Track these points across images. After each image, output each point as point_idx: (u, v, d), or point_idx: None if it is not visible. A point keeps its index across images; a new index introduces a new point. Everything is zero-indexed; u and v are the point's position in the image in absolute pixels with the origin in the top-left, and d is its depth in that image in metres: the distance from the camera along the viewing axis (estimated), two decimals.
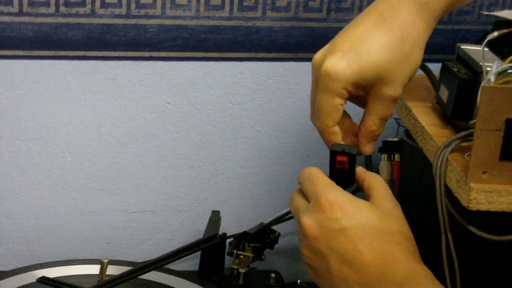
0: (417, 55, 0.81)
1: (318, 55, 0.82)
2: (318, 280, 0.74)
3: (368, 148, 0.83)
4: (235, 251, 1.17)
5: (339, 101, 0.80)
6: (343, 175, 0.79)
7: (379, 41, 0.79)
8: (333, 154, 0.79)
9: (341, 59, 0.78)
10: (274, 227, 1.19)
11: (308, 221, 0.72)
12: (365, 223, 0.71)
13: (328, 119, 0.81)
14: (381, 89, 0.79)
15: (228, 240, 1.20)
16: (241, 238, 1.17)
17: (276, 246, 1.20)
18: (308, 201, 0.75)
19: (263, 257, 1.18)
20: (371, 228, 0.71)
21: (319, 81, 0.80)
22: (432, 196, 0.87)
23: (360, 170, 0.79)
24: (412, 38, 0.80)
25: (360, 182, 0.79)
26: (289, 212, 1.15)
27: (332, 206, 0.72)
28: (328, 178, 0.76)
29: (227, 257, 1.19)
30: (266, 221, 1.18)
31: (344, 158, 0.78)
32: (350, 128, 0.84)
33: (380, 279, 0.68)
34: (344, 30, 0.82)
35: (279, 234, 1.19)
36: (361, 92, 0.81)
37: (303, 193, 0.77)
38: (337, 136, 0.82)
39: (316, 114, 0.81)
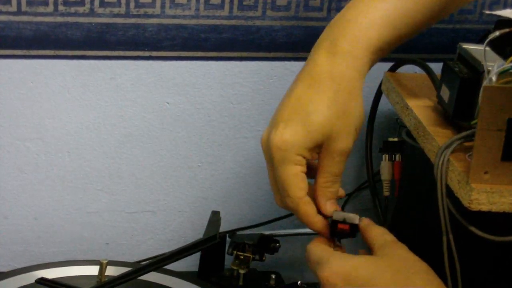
0: (356, 104, 0.80)
1: (263, 135, 0.83)
2: None
3: (329, 207, 0.82)
4: (235, 252, 1.17)
5: (300, 168, 0.80)
6: (344, 235, 0.81)
7: (315, 101, 0.80)
8: (334, 223, 0.81)
9: (285, 128, 0.79)
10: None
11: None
12: (367, 279, 0.71)
13: (297, 189, 0.80)
14: (330, 146, 0.79)
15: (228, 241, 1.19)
16: (238, 245, 1.17)
17: None
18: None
19: (264, 258, 1.18)
20: (375, 283, 0.71)
21: (272, 158, 0.80)
22: (433, 196, 0.87)
23: (364, 225, 0.80)
24: (345, 89, 0.80)
25: (363, 236, 0.80)
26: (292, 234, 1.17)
27: (330, 280, 0.73)
28: (320, 249, 0.78)
29: (227, 258, 1.18)
30: (266, 223, 1.18)
31: (345, 227, 0.80)
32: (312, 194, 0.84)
33: None
34: (280, 103, 0.83)
35: (279, 245, 1.18)
36: (315, 155, 0.81)
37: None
38: (311, 205, 0.82)
39: (282, 192, 0.81)
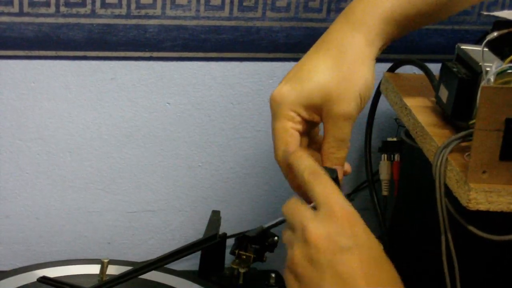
0: (362, 71, 0.80)
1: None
2: None
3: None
4: (237, 251, 1.17)
5: (290, 124, 0.80)
6: None
7: (319, 63, 0.81)
8: None
9: (285, 85, 0.81)
10: (274, 230, 1.19)
11: (317, 230, 0.69)
12: (372, 247, 0.69)
13: (282, 143, 0.80)
14: (330, 109, 0.79)
15: (228, 241, 1.19)
16: (241, 240, 1.17)
17: (276, 249, 1.20)
18: (294, 232, 0.72)
19: (264, 258, 1.18)
20: (375, 254, 0.68)
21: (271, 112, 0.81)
22: (432, 196, 0.87)
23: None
24: (350, 54, 0.80)
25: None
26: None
27: (346, 220, 0.69)
28: (305, 206, 0.73)
29: (227, 257, 1.19)
30: (266, 223, 1.18)
31: None
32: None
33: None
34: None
35: (278, 239, 1.19)
36: (316, 117, 0.80)
37: (289, 226, 0.74)
38: (303, 159, 0.78)
39: (274, 146, 0.81)
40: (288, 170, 0.79)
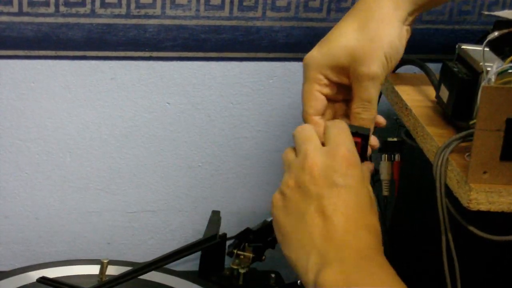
0: (387, 31, 0.81)
1: None
2: (280, 215, 0.75)
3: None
4: (235, 251, 1.17)
5: (316, 87, 0.82)
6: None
7: (347, 25, 0.82)
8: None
9: (315, 49, 0.83)
10: None
11: (317, 160, 0.72)
12: (360, 192, 0.71)
13: (306, 106, 0.82)
14: (356, 69, 0.81)
15: (228, 242, 1.19)
16: (244, 235, 1.17)
17: (276, 246, 1.20)
18: (296, 155, 0.76)
19: (263, 257, 1.18)
20: (362, 200, 0.71)
21: None
22: (432, 196, 0.87)
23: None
24: (376, 16, 0.81)
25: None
26: None
27: (345, 160, 0.71)
28: (318, 139, 0.76)
29: (227, 258, 1.19)
30: (269, 218, 1.18)
31: (357, 139, 0.78)
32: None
33: (345, 245, 0.68)
34: None
35: None
36: (344, 78, 0.81)
37: (295, 149, 0.78)
38: (319, 127, 0.81)
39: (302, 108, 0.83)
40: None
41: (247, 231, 1.17)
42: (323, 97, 0.83)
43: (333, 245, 0.68)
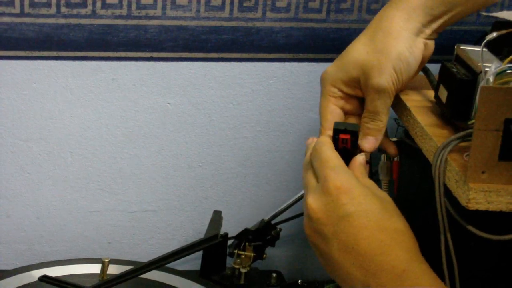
0: (395, 44, 0.81)
1: None
2: (320, 260, 0.74)
3: (364, 143, 0.83)
4: (236, 251, 1.17)
5: (332, 100, 0.83)
6: (346, 155, 0.78)
7: (359, 39, 0.84)
8: (336, 132, 0.78)
9: (331, 65, 0.85)
10: (275, 223, 1.20)
11: (314, 203, 0.72)
12: (369, 210, 0.71)
13: (323, 120, 0.84)
14: (365, 81, 0.81)
15: (229, 242, 1.20)
16: (243, 235, 1.17)
17: (277, 246, 1.20)
18: (317, 180, 0.75)
19: (264, 255, 1.19)
20: (374, 216, 0.70)
21: None
22: (431, 196, 0.87)
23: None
24: (384, 28, 0.82)
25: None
26: (289, 206, 1.15)
27: (338, 191, 0.71)
28: (337, 158, 0.75)
29: (228, 257, 1.19)
30: (266, 217, 1.19)
31: (346, 136, 0.78)
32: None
33: (380, 268, 0.68)
34: None
35: (280, 229, 1.19)
36: (358, 91, 0.82)
37: (314, 169, 0.77)
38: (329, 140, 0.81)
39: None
40: None
41: (246, 231, 1.18)
42: (339, 111, 0.83)
43: (370, 274, 0.68)
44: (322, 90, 0.84)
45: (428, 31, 0.83)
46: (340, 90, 0.82)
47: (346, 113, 0.84)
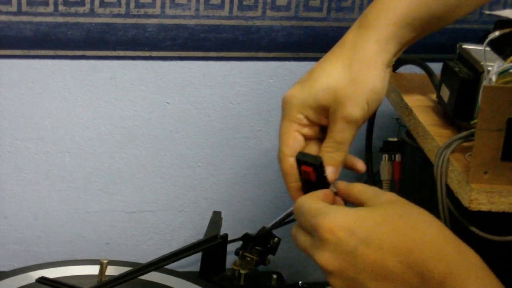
0: (370, 76, 0.79)
1: None
2: None
3: (328, 173, 0.79)
4: (241, 252, 1.17)
5: (295, 126, 0.80)
6: (311, 186, 0.76)
7: (330, 64, 0.81)
8: (298, 163, 0.76)
9: (297, 87, 0.81)
10: (276, 231, 1.19)
11: (323, 258, 0.68)
12: (372, 230, 0.66)
13: (284, 145, 0.80)
14: (336, 110, 0.79)
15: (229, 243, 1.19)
16: (246, 242, 1.17)
17: (278, 249, 1.20)
18: (311, 235, 0.71)
19: (267, 261, 1.18)
20: (382, 233, 0.66)
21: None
22: (433, 196, 0.87)
23: (342, 186, 0.76)
24: (360, 58, 0.80)
25: (346, 198, 0.76)
26: (290, 214, 1.14)
27: (334, 233, 0.67)
28: (316, 203, 0.71)
29: (228, 258, 1.18)
30: (267, 223, 1.18)
31: (309, 169, 0.75)
32: None
33: (421, 281, 0.64)
34: None
35: (279, 240, 1.18)
36: (324, 119, 0.80)
37: (302, 228, 0.73)
38: (293, 168, 0.79)
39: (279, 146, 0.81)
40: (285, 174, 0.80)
41: (246, 236, 1.17)
42: (301, 137, 0.80)
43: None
44: (286, 113, 0.81)
45: (394, 59, 0.82)
46: (306, 117, 0.80)
47: (306, 138, 0.82)
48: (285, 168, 0.80)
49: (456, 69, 0.94)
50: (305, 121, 0.80)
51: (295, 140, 0.81)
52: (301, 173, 0.77)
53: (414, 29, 0.83)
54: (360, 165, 0.84)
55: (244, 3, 1.19)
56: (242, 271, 1.16)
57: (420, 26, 0.83)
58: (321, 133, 0.82)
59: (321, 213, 0.69)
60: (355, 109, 0.79)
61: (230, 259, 1.18)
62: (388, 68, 0.82)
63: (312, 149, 0.82)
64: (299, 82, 0.82)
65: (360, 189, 0.74)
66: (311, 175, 0.75)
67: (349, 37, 0.82)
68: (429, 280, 0.63)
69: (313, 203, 0.71)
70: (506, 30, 0.92)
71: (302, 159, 0.75)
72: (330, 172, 0.79)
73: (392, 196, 0.70)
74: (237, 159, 1.30)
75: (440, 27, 0.87)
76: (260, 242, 1.16)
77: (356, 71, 0.79)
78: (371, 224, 0.66)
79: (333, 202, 0.75)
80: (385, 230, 0.65)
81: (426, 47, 1.25)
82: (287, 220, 1.17)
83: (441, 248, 0.64)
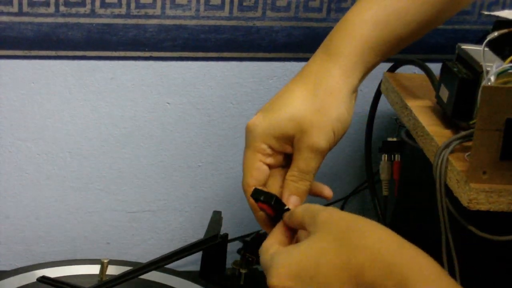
0: (336, 104, 0.78)
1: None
2: None
3: (290, 202, 0.77)
4: (242, 251, 1.17)
5: (259, 157, 0.78)
6: (273, 218, 0.75)
7: (294, 94, 0.78)
8: (254, 200, 0.76)
9: (260, 115, 0.79)
10: None
11: None
12: (316, 267, 0.64)
13: (248, 176, 0.79)
14: (300, 139, 0.77)
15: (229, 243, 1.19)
16: (251, 243, 1.17)
17: None
18: None
19: None
20: (326, 269, 0.63)
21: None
22: (432, 196, 0.87)
23: (286, 218, 0.74)
24: (325, 86, 0.78)
25: (294, 227, 0.73)
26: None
27: (283, 283, 0.65)
28: (269, 249, 0.71)
29: (228, 257, 1.19)
30: (262, 230, 1.18)
31: (264, 206, 0.75)
32: None
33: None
34: None
35: None
36: (288, 148, 0.79)
37: None
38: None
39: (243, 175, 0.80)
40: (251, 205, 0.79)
41: (244, 241, 1.17)
42: (265, 167, 0.79)
43: None
44: (249, 143, 0.79)
45: (359, 84, 0.81)
46: (270, 147, 0.79)
47: (270, 167, 0.81)
48: (250, 199, 0.79)
49: (455, 69, 0.94)
50: (268, 150, 0.78)
51: (259, 171, 0.79)
52: (260, 208, 0.76)
53: (379, 53, 0.80)
54: (327, 192, 0.82)
55: (244, 3, 1.19)
56: (242, 271, 1.16)
57: (384, 49, 0.81)
58: (286, 160, 0.80)
59: (270, 264, 0.68)
60: (321, 138, 0.77)
61: (230, 258, 1.18)
62: (354, 93, 0.80)
63: (277, 177, 0.80)
64: (262, 110, 0.79)
65: (298, 216, 0.71)
66: (268, 210, 0.75)
67: (313, 65, 0.80)
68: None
69: (266, 252, 0.70)
70: (505, 31, 0.93)
71: (257, 198, 0.75)
72: (294, 201, 0.78)
73: (326, 214, 0.67)
74: (237, 159, 1.30)
75: (403, 48, 0.85)
76: (256, 247, 1.16)
77: (321, 100, 0.77)
78: (313, 262, 0.64)
79: (293, 235, 0.73)
80: (328, 263, 0.63)
81: (426, 47, 1.25)
82: None
83: (387, 264, 0.61)
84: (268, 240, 0.73)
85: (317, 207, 0.70)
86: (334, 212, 0.67)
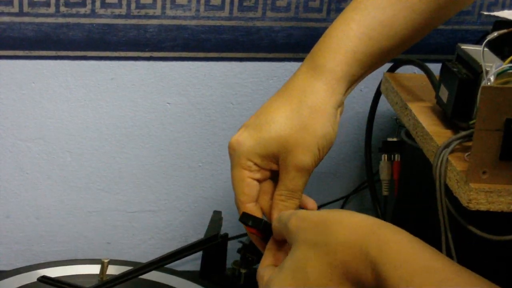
0: (321, 122, 0.77)
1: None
2: None
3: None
4: (242, 251, 1.17)
5: (247, 173, 0.78)
6: (262, 238, 0.76)
7: (279, 111, 0.78)
8: (243, 224, 0.76)
9: (244, 132, 0.78)
10: None
11: None
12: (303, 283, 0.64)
13: (240, 193, 0.79)
14: (286, 158, 0.76)
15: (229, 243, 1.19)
16: (250, 244, 1.17)
17: None
18: None
19: None
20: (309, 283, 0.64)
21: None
22: (432, 196, 0.87)
23: (273, 237, 0.74)
24: (310, 103, 0.77)
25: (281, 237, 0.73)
26: None
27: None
28: (262, 275, 0.71)
29: (228, 257, 1.19)
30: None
31: (252, 230, 0.76)
32: None
33: None
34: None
35: None
36: (274, 165, 0.78)
37: None
38: (253, 213, 0.78)
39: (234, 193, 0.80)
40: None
41: (254, 246, 1.17)
42: (255, 183, 0.78)
43: None
44: (235, 161, 0.78)
45: (344, 98, 0.80)
46: (256, 164, 0.78)
47: (259, 181, 0.81)
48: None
49: (455, 69, 0.94)
50: (254, 167, 0.78)
51: (250, 187, 0.78)
52: (249, 232, 0.77)
53: (365, 66, 0.79)
54: (311, 205, 0.82)
55: (244, 4, 1.19)
56: (242, 271, 1.16)
57: (369, 62, 0.79)
58: (273, 174, 0.79)
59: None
60: (306, 156, 0.76)
61: (230, 258, 1.19)
62: (339, 108, 0.79)
63: (266, 192, 0.80)
64: (246, 126, 0.79)
65: (276, 230, 0.72)
66: (257, 234, 0.75)
67: (297, 80, 0.79)
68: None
69: (262, 279, 0.71)
70: (504, 31, 0.93)
71: (245, 222, 0.76)
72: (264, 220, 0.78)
73: (294, 221, 0.67)
74: None
75: (388, 60, 0.84)
76: (253, 250, 1.16)
77: (306, 118, 0.76)
78: (302, 276, 0.64)
79: (285, 246, 0.74)
80: (314, 271, 0.63)
81: (425, 48, 1.25)
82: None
83: (364, 253, 0.61)
84: (261, 265, 0.74)
85: (286, 215, 0.70)
86: (302, 215, 0.67)
